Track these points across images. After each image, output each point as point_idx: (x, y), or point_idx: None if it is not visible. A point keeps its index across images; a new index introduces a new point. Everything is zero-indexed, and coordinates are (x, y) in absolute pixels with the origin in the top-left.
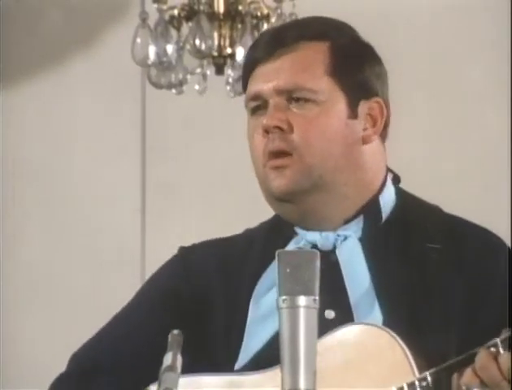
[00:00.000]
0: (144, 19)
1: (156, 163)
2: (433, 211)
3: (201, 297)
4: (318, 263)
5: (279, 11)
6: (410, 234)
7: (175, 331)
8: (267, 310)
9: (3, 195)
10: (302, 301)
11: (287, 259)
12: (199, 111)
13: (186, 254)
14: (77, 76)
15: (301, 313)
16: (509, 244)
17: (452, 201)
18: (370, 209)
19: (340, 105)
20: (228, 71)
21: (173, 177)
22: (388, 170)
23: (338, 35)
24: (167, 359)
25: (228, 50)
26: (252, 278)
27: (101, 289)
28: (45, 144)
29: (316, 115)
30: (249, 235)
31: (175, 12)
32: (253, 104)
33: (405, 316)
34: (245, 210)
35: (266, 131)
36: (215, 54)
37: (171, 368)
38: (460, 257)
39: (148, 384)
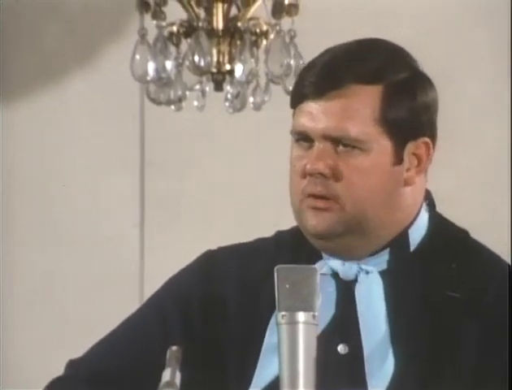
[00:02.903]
0: (143, 35)
1: (155, 179)
2: (460, 243)
3: (218, 311)
4: (317, 279)
5: (278, 28)
6: (433, 274)
7: (174, 347)
8: None
9: (2, 210)
10: (301, 317)
11: (286, 275)
12: (198, 127)
13: (210, 260)
14: (76, 92)
15: (300, 329)
16: (510, 258)
17: (451, 217)
18: (398, 242)
19: (387, 153)
20: (227, 88)
21: (172, 192)
22: (425, 196)
23: (393, 73)
24: (166, 375)
25: (227, 67)
26: (273, 299)
27: (99, 303)
28: (44, 158)
29: (361, 164)
30: (275, 246)
31: (174, 29)
32: (296, 137)
33: (418, 368)
34: (245, 224)
35: (309, 174)
36: (214, 70)
37: (170, 384)
38: (478, 309)
39: None
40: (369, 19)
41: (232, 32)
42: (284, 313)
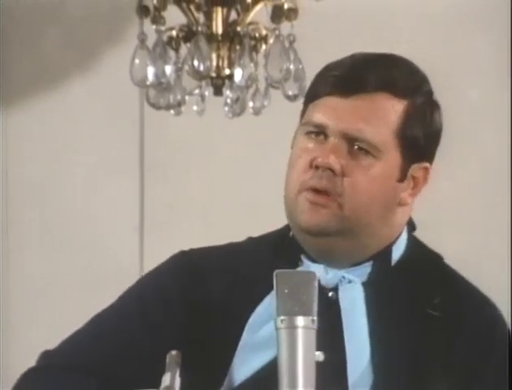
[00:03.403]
0: (142, 40)
1: (154, 183)
2: (436, 265)
3: (200, 308)
4: (316, 284)
5: (277, 33)
6: (413, 290)
7: (174, 352)
8: (263, 340)
9: (1, 213)
10: (301, 321)
11: (285, 280)
12: (197, 132)
13: (191, 259)
14: (76, 96)
15: (300, 333)
16: (510, 260)
17: (451, 223)
18: (382, 256)
19: (395, 168)
20: (227, 92)
21: (171, 197)
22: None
23: (417, 94)
24: (165, 380)
25: (227, 71)
26: (253, 300)
27: (98, 306)
28: (44, 163)
29: (371, 170)
30: (254, 249)
31: (174, 33)
32: (310, 129)
33: (396, 380)
34: (244, 229)
35: (317, 166)
36: (214, 75)
37: (170, 389)
38: (457, 331)
39: None
40: (368, 24)
41: (231, 36)
42: (283, 317)
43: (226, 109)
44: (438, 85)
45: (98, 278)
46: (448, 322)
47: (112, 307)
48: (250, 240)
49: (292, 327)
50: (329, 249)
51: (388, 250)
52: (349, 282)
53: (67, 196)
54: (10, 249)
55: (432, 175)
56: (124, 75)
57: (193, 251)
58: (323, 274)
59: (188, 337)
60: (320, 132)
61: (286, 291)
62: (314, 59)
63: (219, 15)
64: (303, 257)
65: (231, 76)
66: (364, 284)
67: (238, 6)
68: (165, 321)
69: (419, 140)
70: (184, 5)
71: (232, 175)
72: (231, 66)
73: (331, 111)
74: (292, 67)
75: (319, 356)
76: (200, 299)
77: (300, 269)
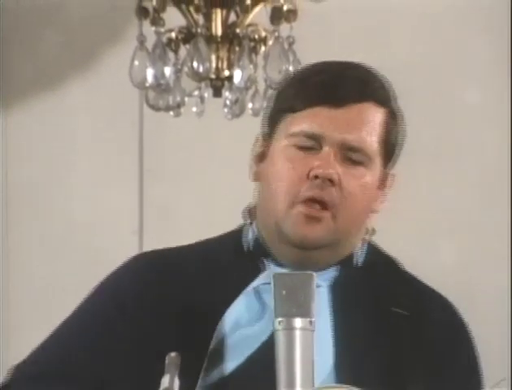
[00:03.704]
0: (142, 41)
1: (154, 186)
2: (395, 267)
3: (164, 310)
4: (314, 285)
5: (276, 34)
6: (377, 290)
7: (173, 354)
8: (234, 343)
9: (1, 218)
10: (298, 323)
11: (283, 281)
12: (197, 133)
13: (155, 261)
14: (75, 99)
15: (297, 335)
16: (510, 259)
17: (452, 227)
18: (348, 260)
19: (377, 175)
20: (226, 94)
21: (171, 200)
22: None
23: (392, 102)
24: (164, 382)
25: (226, 73)
26: (219, 306)
27: None
28: (43, 165)
29: (363, 180)
30: (210, 251)
31: (173, 35)
32: (302, 140)
33: (361, 379)
34: None
35: (317, 177)
36: (213, 76)
37: None
38: (423, 328)
39: None
40: (367, 26)
41: (230, 38)
42: (280, 319)
43: (225, 110)
44: (438, 86)
45: (98, 279)
46: (414, 320)
47: (78, 312)
48: (206, 241)
49: (289, 329)
50: (310, 260)
51: (353, 254)
52: (317, 286)
53: (67, 196)
54: (10, 250)
55: (432, 175)
56: (124, 77)
57: (152, 253)
58: None
59: (156, 342)
60: (313, 142)
61: (284, 292)
62: (314, 61)
63: (218, 16)
64: (266, 261)
65: (230, 78)
66: (330, 288)
67: (237, 8)
68: (129, 326)
69: (394, 148)
70: (184, 6)
71: (231, 176)
72: (230, 67)
73: (326, 122)
74: (291, 68)
75: None
76: (163, 301)
77: (265, 272)
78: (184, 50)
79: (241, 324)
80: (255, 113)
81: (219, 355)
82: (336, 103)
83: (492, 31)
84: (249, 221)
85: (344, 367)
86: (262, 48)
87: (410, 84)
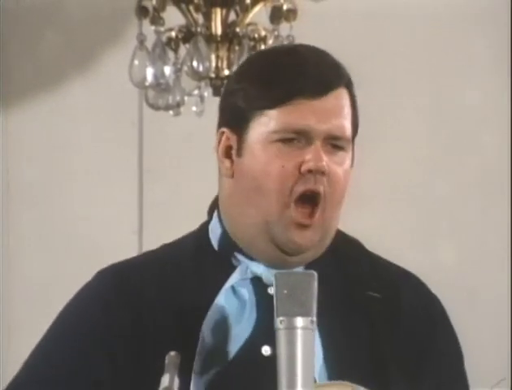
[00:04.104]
0: (141, 41)
1: (153, 185)
2: (361, 248)
3: (141, 331)
4: (315, 284)
5: (276, 33)
6: (350, 275)
7: (173, 353)
8: (217, 343)
9: (1, 216)
10: (300, 322)
11: (284, 280)
12: (196, 133)
13: (117, 279)
14: (75, 98)
15: (299, 334)
16: (510, 260)
17: (451, 226)
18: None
19: (350, 156)
20: None
21: (170, 199)
22: None
23: (352, 83)
24: (164, 381)
25: (226, 72)
26: (199, 308)
27: None
28: (44, 165)
29: (344, 165)
30: (175, 256)
31: (173, 34)
32: (287, 135)
33: (345, 364)
34: None
35: (310, 170)
36: (213, 75)
37: None
38: (399, 309)
39: None
40: (367, 25)
41: (230, 37)
42: (282, 318)
43: None
44: (438, 86)
45: None
46: (388, 301)
47: (48, 344)
48: (170, 245)
49: (291, 328)
50: (291, 260)
51: (325, 241)
52: None
53: (67, 196)
54: (11, 250)
55: (432, 175)
56: (123, 76)
57: (115, 266)
58: (264, 271)
59: (137, 351)
60: (298, 136)
61: (285, 292)
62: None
63: (218, 15)
64: (239, 256)
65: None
66: None
67: (237, 7)
68: (106, 356)
69: (357, 129)
70: (184, 6)
71: None
72: (230, 66)
73: (310, 114)
74: None
75: (266, 350)
76: (136, 318)
77: (240, 269)
78: (183, 50)
79: (223, 323)
80: None
81: (206, 356)
82: (316, 93)
83: (493, 29)
84: (217, 219)
85: (332, 361)
86: (262, 47)
87: (411, 83)
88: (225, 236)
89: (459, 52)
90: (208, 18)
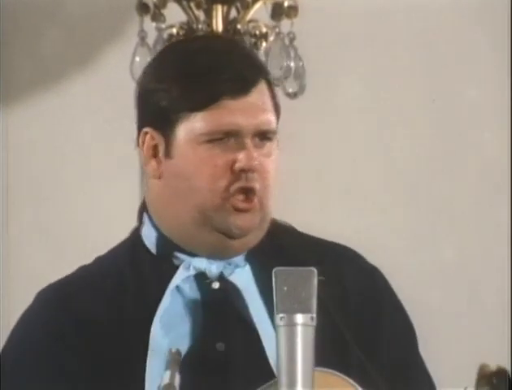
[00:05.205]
0: (143, 37)
1: None
2: (295, 234)
3: (91, 347)
4: (315, 281)
5: (277, 30)
6: (292, 263)
7: (174, 349)
8: (168, 344)
9: (1, 214)
10: (300, 318)
11: (284, 277)
12: None
13: (59, 300)
14: (76, 94)
15: (299, 330)
16: (510, 260)
17: (451, 223)
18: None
19: (276, 143)
20: None
21: None
22: None
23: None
24: (165, 378)
25: None
26: (144, 318)
27: None
28: (45, 162)
29: (273, 156)
30: (113, 268)
31: (174, 31)
32: (216, 136)
33: None
34: None
35: (243, 170)
36: None
37: (170, 387)
38: (344, 288)
39: None
40: (368, 21)
41: (231, 34)
42: (282, 315)
43: None
44: (438, 85)
45: None
46: (333, 283)
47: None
48: (103, 258)
49: (291, 325)
50: (233, 247)
51: (263, 225)
52: (236, 267)
53: (67, 195)
54: (11, 249)
55: (432, 174)
56: (125, 73)
57: (54, 287)
58: (207, 265)
59: (91, 366)
60: (228, 136)
61: (285, 288)
62: (314, 56)
63: (219, 12)
64: (178, 254)
65: None
66: (251, 268)
67: (238, 4)
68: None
69: (279, 115)
70: (185, 2)
71: None
72: None
73: (237, 113)
74: (292, 64)
75: (221, 346)
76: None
77: (183, 266)
78: None
79: (172, 325)
80: None
81: (158, 359)
82: (241, 92)
83: (493, 27)
84: (149, 223)
85: None
86: (263, 44)
87: (410, 82)
88: (162, 238)
89: (459, 48)
90: (209, 15)
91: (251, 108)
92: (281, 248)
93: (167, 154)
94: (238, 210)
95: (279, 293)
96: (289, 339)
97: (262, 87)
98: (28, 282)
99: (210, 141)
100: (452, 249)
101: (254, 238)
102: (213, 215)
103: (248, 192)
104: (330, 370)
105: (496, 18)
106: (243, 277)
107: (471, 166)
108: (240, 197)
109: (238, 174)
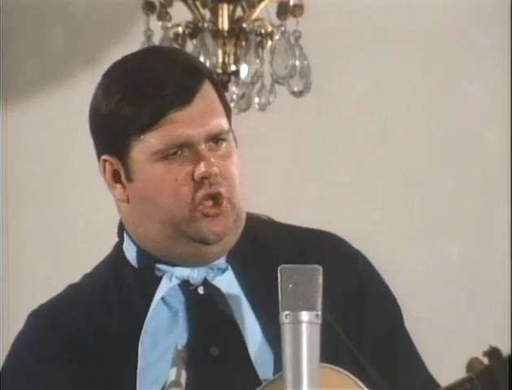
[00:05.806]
0: (149, 36)
1: None
2: (271, 226)
3: (84, 366)
4: (320, 279)
5: (283, 29)
6: (272, 258)
7: (180, 347)
8: (158, 356)
9: (2, 212)
10: (305, 316)
11: (289, 275)
12: None
13: (50, 323)
14: (81, 93)
15: (304, 328)
16: (510, 260)
17: (451, 222)
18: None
19: (232, 140)
20: (233, 88)
21: None
22: None
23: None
24: (172, 375)
25: (233, 67)
26: (132, 332)
27: None
28: (46, 161)
29: (229, 155)
30: (98, 285)
31: (180, 30)
32: (172, 150)
33: None
34: None
35: (204, 178)
36: (220, 71)
37: (176, 384)
38: (328, 276)
39: None
40: (373, 21)
41: (237, 33)
42: (287, 312)
43: (232, 105)
44: (439, 83)
45: None
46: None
47: None
48: (89, 276)
49: (296, 322)
50: (211, 253)
51: (238, 224)
52: (219, 269)
53: (68, 193)
54: (10, 248)
55: (432, 174)
56: None
57: (45, 309)
58: (190, 273)
59: (85, 385)
60: (183, 149)
61: (290, 286)
62: (320, 55)
63: (224, 11)
64: (159, 266)
65: (237, 73)
66: (233, 268)
67: (244, 3)
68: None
69: (230, 110)
70: (190, 1)
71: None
72: (237, 62)
73: (186, 124)
74: (297, 63)
75: (214, 351)
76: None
77: (166, 277)
78: (190, 45)
79: (159, 336)
80: (261, 107)
81: (148, 371)
82: (185, 102)
83: (494, 25)
84: (128, 239)
85: (274, 338)
86: (269, 43)
87: (414, 81)
88: (141, 252)
89: (460, 47)
90: (215, 13)
91: (197, 115)
92: (261, 243)
93: (129, 178)
94: (209, 217)
95: (284, 291)
96: (294, 337)
97: (206, 90)
98: (28, 282)
99: (165, 158)
100: (453, 246)
101: (232, 239)
102: (186, 227)
103: (215, 198)
104: (336, 367)
105: (498, 15)
106: (226, 280)
107: (473, 164)
108: (209, 203)
109: (200, 181)
